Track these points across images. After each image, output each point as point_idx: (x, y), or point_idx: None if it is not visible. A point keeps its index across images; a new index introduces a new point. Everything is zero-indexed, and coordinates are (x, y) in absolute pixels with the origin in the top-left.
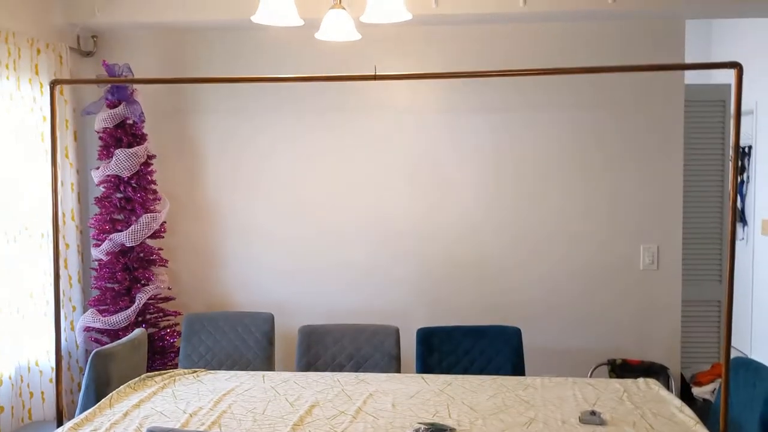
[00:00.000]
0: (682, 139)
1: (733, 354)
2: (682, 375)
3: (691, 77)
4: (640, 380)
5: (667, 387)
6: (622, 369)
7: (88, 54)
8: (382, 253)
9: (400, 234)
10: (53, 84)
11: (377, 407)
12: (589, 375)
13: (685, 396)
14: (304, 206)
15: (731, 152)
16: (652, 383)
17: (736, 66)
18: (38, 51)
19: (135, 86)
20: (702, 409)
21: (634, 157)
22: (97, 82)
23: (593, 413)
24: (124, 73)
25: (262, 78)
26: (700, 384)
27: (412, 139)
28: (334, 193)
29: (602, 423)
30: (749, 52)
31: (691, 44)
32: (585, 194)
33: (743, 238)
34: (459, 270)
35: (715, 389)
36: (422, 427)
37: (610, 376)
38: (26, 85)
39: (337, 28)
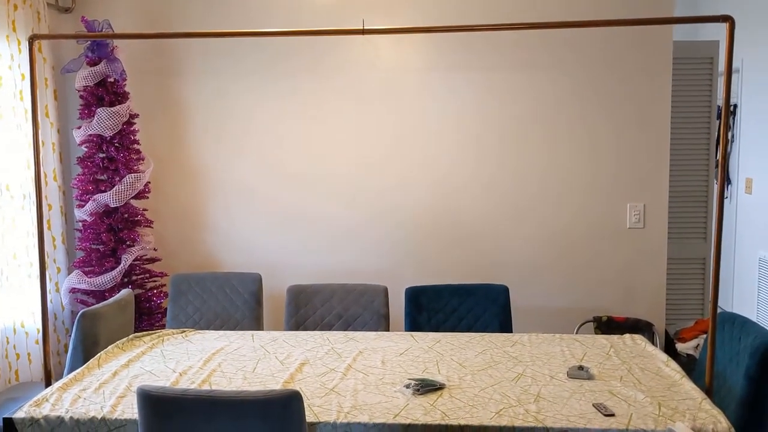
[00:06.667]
0: (669, 97)
1: None
2: (666, 331)
3: (678, 34)
4: (627, 336)
5: (652, 343)
6: (607, 326)
7: (67, 10)
8: (370, 213)
9: (387, 194)
10: (32, 39)
11: (367, 364)
12: (575, 332)
13: (669, 352)
14: (290, 166)
15: (721, 109)
16: (638, 339)
17: (728, 19)
18: (15, 7)
19: (116, 43)
20: (686, 365)
21: (621, 115)
22: (77, 36)
23: (581, 368)
24: (104, 30)
25: (245, 32)
26: (683, 340)
27: (398, 97)
28: (320, 153)
29: (590, 377)
30: (736, 10)
31: (677, 2)
32: (571, 153)
33: (727, 197)
34: (446, 230)
35: (698, 345)
36: (412, 382)
37: (596, 333)
38: (3, 42)
39: None
